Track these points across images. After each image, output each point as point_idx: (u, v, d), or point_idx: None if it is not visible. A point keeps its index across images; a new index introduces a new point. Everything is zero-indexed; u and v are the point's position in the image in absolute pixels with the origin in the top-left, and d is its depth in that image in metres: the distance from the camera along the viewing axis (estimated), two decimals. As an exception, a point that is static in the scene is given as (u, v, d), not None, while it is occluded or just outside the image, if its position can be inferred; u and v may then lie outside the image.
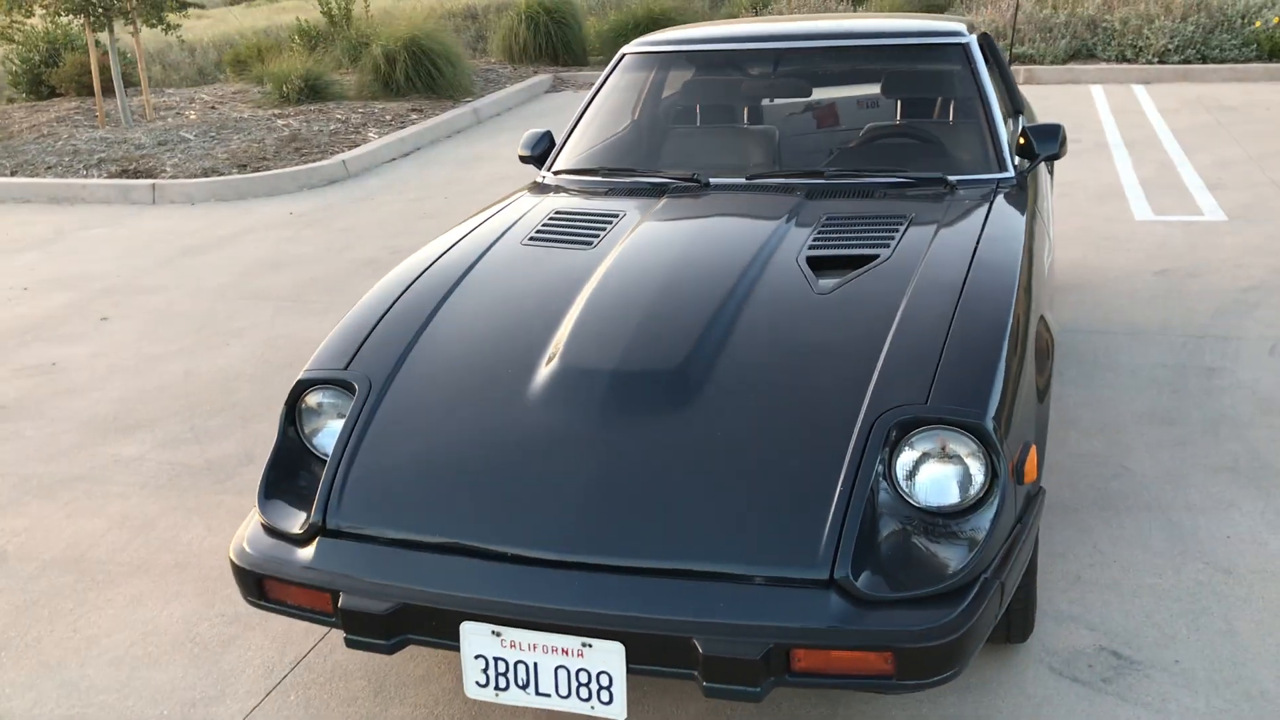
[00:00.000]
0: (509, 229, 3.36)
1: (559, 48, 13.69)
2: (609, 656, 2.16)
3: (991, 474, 2.27)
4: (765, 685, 2.10)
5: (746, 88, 4.22)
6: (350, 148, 9.62)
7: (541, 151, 4.11)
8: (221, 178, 8.67)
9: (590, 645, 2.16)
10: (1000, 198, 3.35)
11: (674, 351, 2.55)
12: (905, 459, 2.30)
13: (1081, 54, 12.38)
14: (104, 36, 10.77)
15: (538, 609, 2.18)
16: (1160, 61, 11.71)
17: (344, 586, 2.31)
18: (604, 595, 2.17)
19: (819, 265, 2.92)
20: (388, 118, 10.73)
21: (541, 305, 2.86)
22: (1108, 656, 2.79)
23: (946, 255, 2.90)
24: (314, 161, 9.14)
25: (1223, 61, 11.61)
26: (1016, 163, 3.62)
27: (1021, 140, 3.69)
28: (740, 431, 2.37)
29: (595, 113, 4.13)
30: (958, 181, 3.48)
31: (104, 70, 10.98)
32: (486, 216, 3.52)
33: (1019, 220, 3.18)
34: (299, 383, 2.71)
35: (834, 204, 3.33)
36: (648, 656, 2.15)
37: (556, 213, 3.45)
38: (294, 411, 2.70)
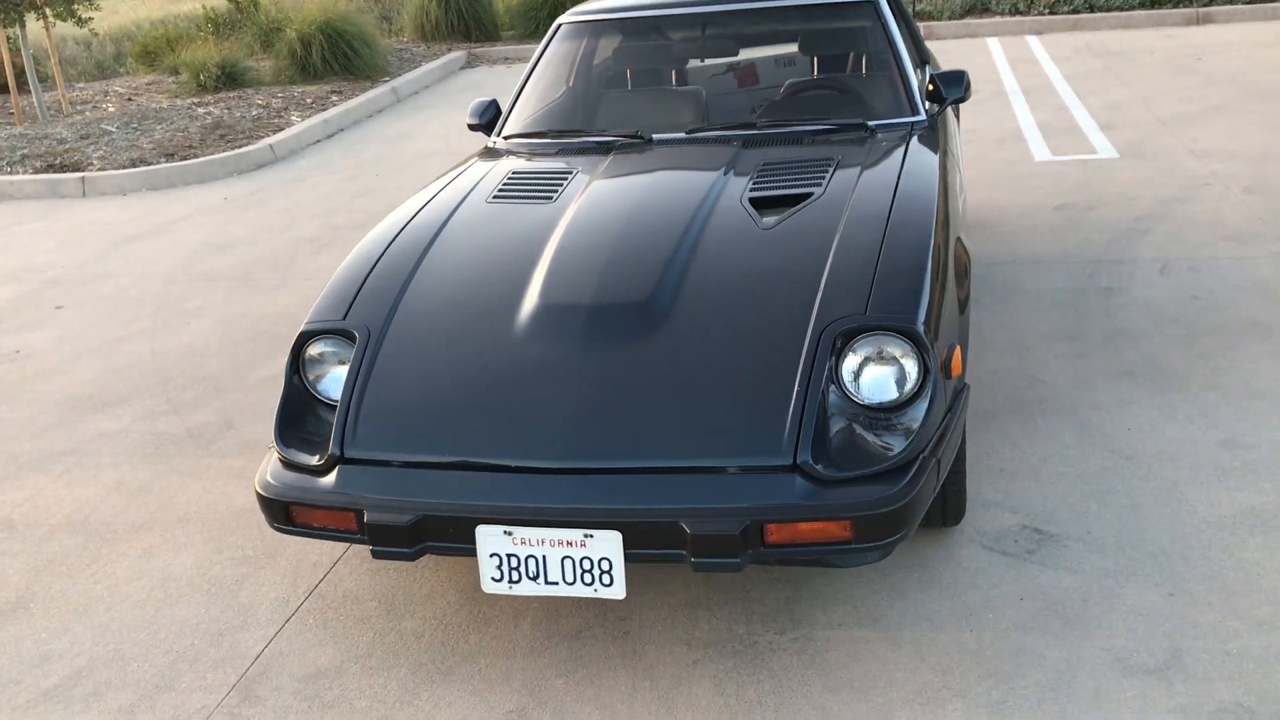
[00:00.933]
0: (472, 189, 3.65)
1: (470, 24, 13.86)
2: (608, 544, 2.49)
3: (924, 371, 2.65)
4: (744, 557, 2.45)
5: (675, 51, 4.54)
6: (275, 132, 9.74)
7: (489, 119, 4.40)
8: (151, 167, 8.76)
9: (591, 536, 2.49)
10: (915, 138, 3.73)
11: (640, 285, 2.88)
12: (850, 363, 2.67)
13: (977, 8, 12.91)
14: (15, 32, 10.70)
15: (544, 509, 2.51)
16: (1051, 12, 12.29)
17: (368, 505, 2.61)
18: (602, 492, 2.50)
19: (760, 205, 3.26)
20: (308, 101, 10.85)
21: (514, 254, 3.16)
22: (1030, 533, 3.20)
23: (872, 190, 3.27)
24: (241, 147, 9.26)
25: (1109, 10, 12.20)
26: (927, 107, 4.00)
27: (930, 86, 4.08)
28: (705, 349, 2.72)
29: (537, 80, 4.42)
30: (876, 126, 3.85)
31: (15, 67, 10.92)
32: (448, 180, 3.81)
33: (932, 157, 3.56)
34: (301, 334, 2.98)
35: (767, 152, 3.67)
36: (642, 541, 2.49)
37: (514, 173, 3.75)
38: (298, 361, 2.98)
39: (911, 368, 2.66)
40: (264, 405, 4.50)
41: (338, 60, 11.70)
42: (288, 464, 2.80)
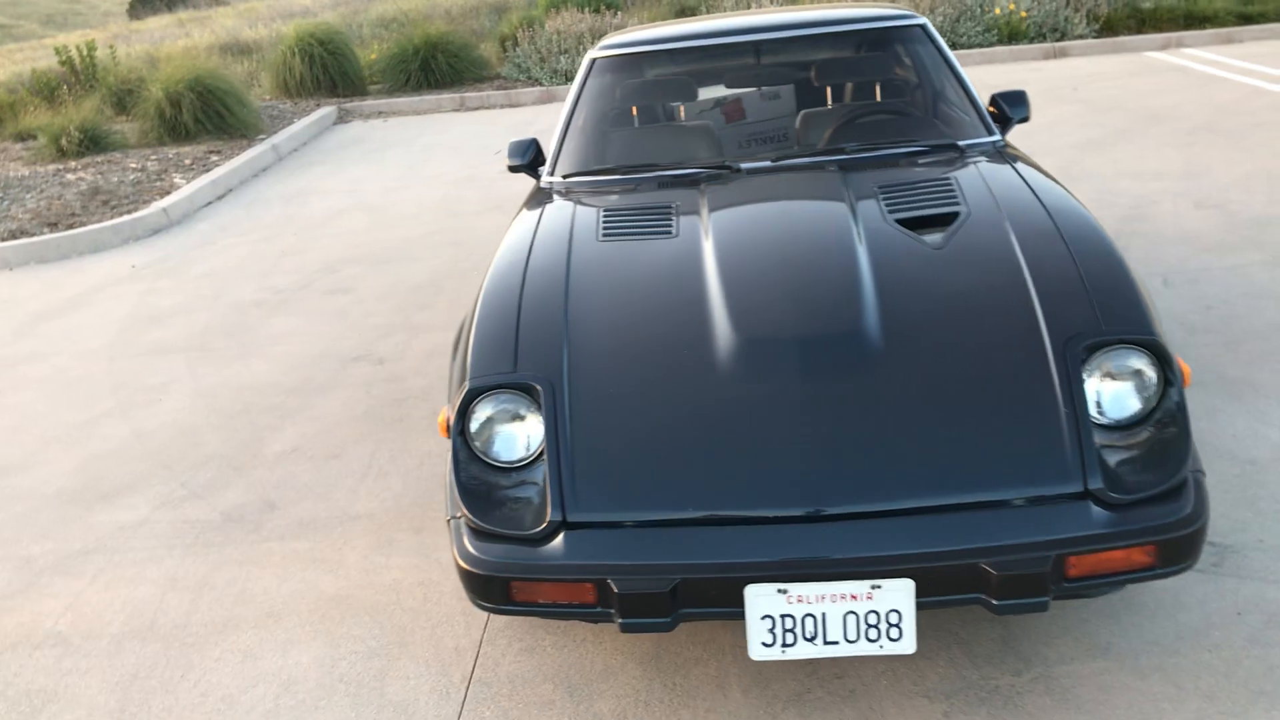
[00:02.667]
0: (570, 231, 3.38)
1: (336, 78, 13.39)
2: (899, 595, 2.28)
3: (1164, 382, 2.55)
4: (1050, 595, 2.28)
5: (728, 80, 4.39)
6: (161, 195, 9.10)
7: (531, 159, 4.14)
8: (36, 239, 8.02)
9: (879, 586, 2.28)
10: (1005, 156, 3.68)
11: (842, 313, 2.70)
12: (1093, 379, 2.54)
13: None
14: None
15: (825, 561, 2.28)
16: (918, 50, 12.72)
17: (617, 573, 2.33)
18: (893, 537, 2.29)
19: (909, 226, 3.12)
20: (186, 162, 10.21)
21: (670, 292, 2.93)
22: (1207, 548, 3.13)
23: (1016, 205, 3.18)
24: (130, 213, 8.60)
25: (971, 46, 12.72)
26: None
27: (991, 109, 4.05)
28: (939, 376, 2.55)
29: (579, 117, 4.19)
30: (965, 146, 3.78)
31: None
32: (532, 225, 3.52)
33: (1040, 172, 3.51)
34: (470, 391, 2.67)
35: (874, 175, 3.55)
36: (937, 587, 2.29)
37: (611, 210, 3.51)
38: (465, 420, 2.67)
39: (1151, 379, 2.56)
40: (298, 481, 4.08)
41: (210, 119, 11.07)
42: (491, 535, 2.48)
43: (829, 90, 4.47)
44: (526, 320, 2.88)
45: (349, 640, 3.10)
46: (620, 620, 2.34)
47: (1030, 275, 2.80)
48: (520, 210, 3.82)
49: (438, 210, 8.17)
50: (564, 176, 3.98)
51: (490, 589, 2.43)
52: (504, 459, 2.65)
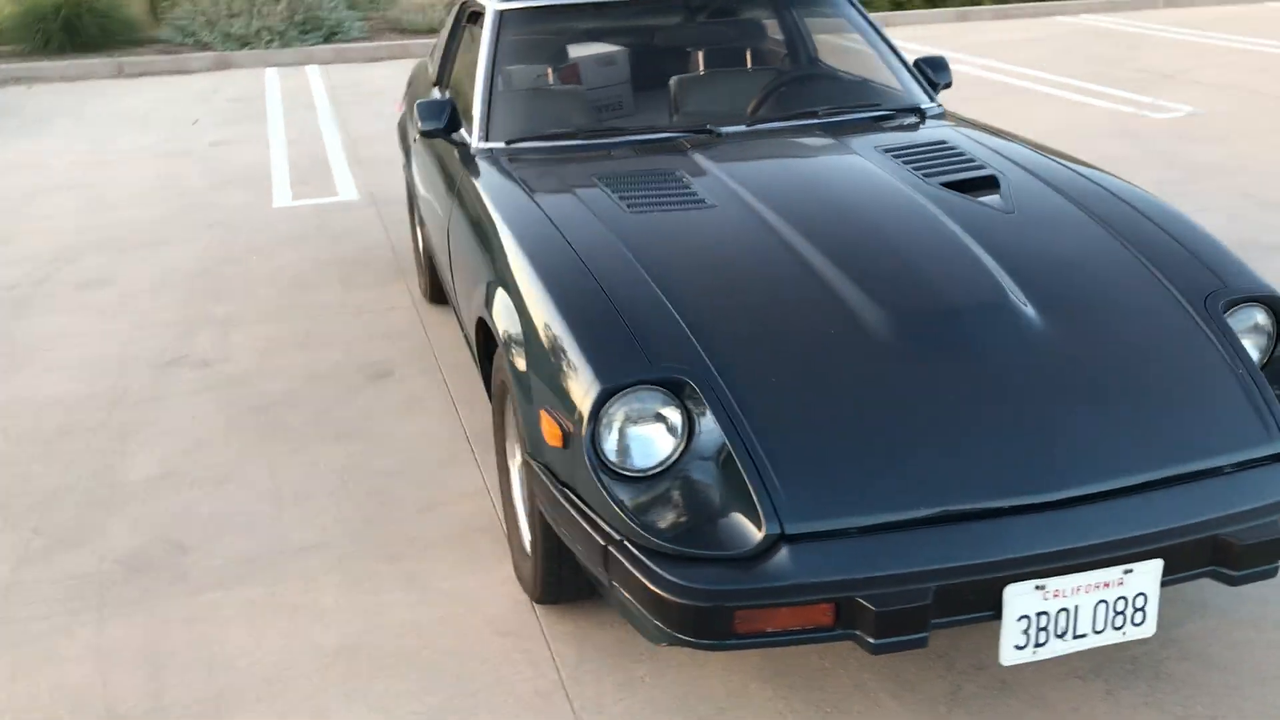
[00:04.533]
0: (584, 205, 2.96)
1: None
2: (1147, 577, 2.16)
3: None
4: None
5: (643, 39, 4.06)
6: None
7: (448, 122, 3.63)
8: None
9: (1131, 570, 2.14)
10: (959, 117, 3.68)
11: (982, 283, 2.54)
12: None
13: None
14: None
15: (1081, 549, 2.11)
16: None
17: (866, 587, 2.03)
18: (1144, 514, 2.16)
19: (955, 189, 3.00)
20: None
21: (765, 266, 2.64)
22: None
23: (1038, 164, 3.16)
24: None
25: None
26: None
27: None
28: (1105, 344, 2.44)
29: (500, 78, 3.70)
30: (925, 109, 3.72)
31: None
32: (522, 200, 3.04)
33: (1002, 131, 3.54)
34: (603, 392, 2.25)
35: (862, 139, 3.39)
36: (1181, 564, 2.18)
37: (607, 179, 3.11)
38: (596, 428, 2.25)
39: (1269, 331, 2.59)
40: (199, 513, 3.37)
41: None
42: (697, 560, 2.09)
43: (766, 54, 4.25)
44: (625, 307, 2.47)
45: (396, 701, 2.56)
46: (873, 641, 2.05)
47: (1118, 235, 2.76)
48: (466, 180, 3.35)
49: (162, 189, 7.18)
50: (507, 143, 3.51)
51: (711, 622, 2.05)
52: (638, 466, 2.26)
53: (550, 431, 2.36)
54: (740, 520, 2.13)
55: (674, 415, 2.26)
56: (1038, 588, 2.10)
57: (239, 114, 9.51)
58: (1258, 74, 9.78)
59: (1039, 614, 2.12)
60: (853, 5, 4.06)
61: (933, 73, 4.00)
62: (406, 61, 12.03)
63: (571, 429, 2.29)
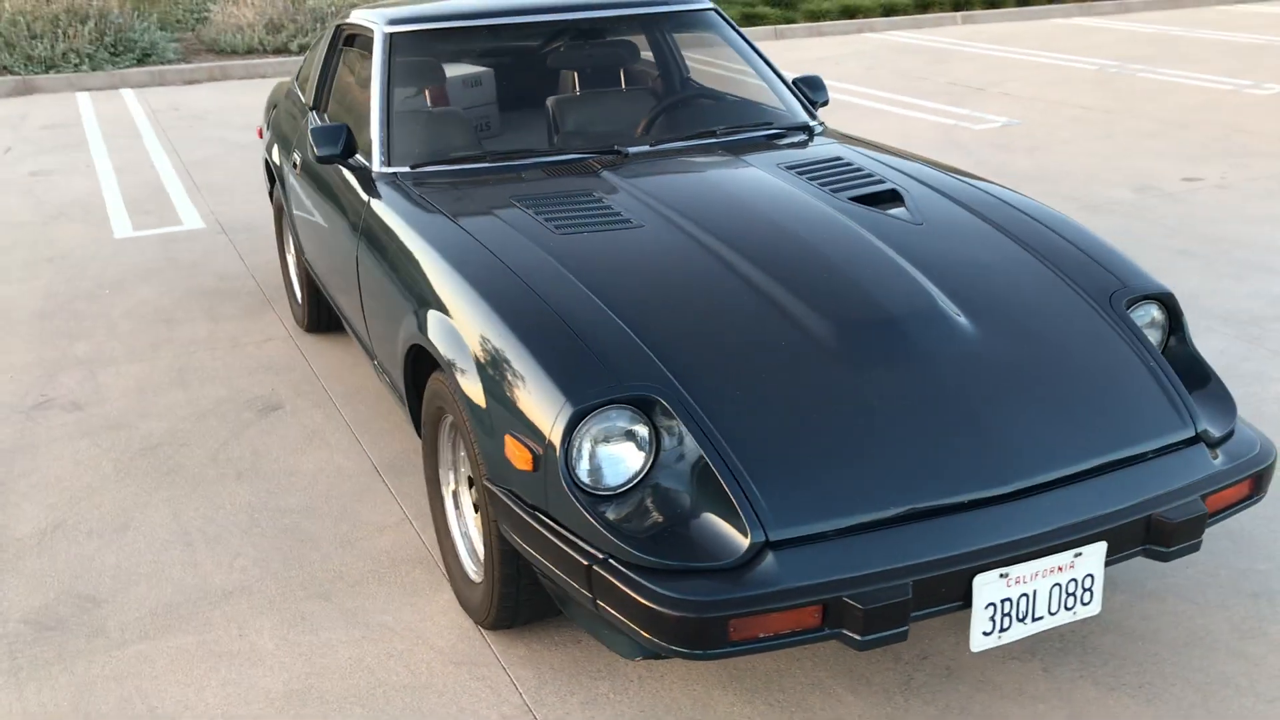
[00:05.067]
0: (509, 226, 2.97)
1: None
2: (1094, 559, 2.32)
3: (1171, 326, 2.83)
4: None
5: (546, 62, 4.07)
6: None
7: (344, 148, 3.56)
8: None
9: (1080, 554, 2.29)
10: (845, 135, 3.85)
11: (914, 291, 2.67)
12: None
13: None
14: None
15: (1039, 537, 2.25)
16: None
17: (851, 587, 2.12)
18: (1088, 500, 2.32)
19: (862, 203, 3.14)
20: None
21: (705, 283, 2.72)
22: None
23: (932, 177, 3.35)
24: None
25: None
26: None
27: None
28: (1029, 344, 2.61)
29: (395, 101, 3.66)
30: (811, 128, 3.87)
31: None
32: (444, 223, 3.03)
33: (886, 147, 3.73)
34: (575, 414, 2.27)
35: (762, 156, 3.51)
36: (1121, 545, 2.35)
37: (525, 201, 3.13)
38: (569, 450, 2.27)
39: (1162, 325, 2.83)
40: (103, 564, 3.20)
41: None
42: (686, 573, 2.13)
43: (651, 77, 4.32)
44: (582, 328, 2.50)
45: (365, 742, 2.51)
46: (860, 638, 2.13)
47: (1025, 243, 2.95)
48: (373, 207, 3.31)
49: (-15, 222, 6.75)
50: (412, 167, 3.47)
51: (708, 632, 2.09)
52: (609, 484, 2.29)
53: (518, 455, 2.36)
54: (724, 530, 2.18)
55: (642, 431, 2.31)
56: (1001, 575, 2.23)
57: (56, 141, 9.02)
58: (1059, 85, 10.47)
59: (1004, 600, 2.25)
60: (729, 25, 4.18)
61: (810, 92, 4.16)
62: (226, 84, 11.67)
63: (542, 451, 2.30)
